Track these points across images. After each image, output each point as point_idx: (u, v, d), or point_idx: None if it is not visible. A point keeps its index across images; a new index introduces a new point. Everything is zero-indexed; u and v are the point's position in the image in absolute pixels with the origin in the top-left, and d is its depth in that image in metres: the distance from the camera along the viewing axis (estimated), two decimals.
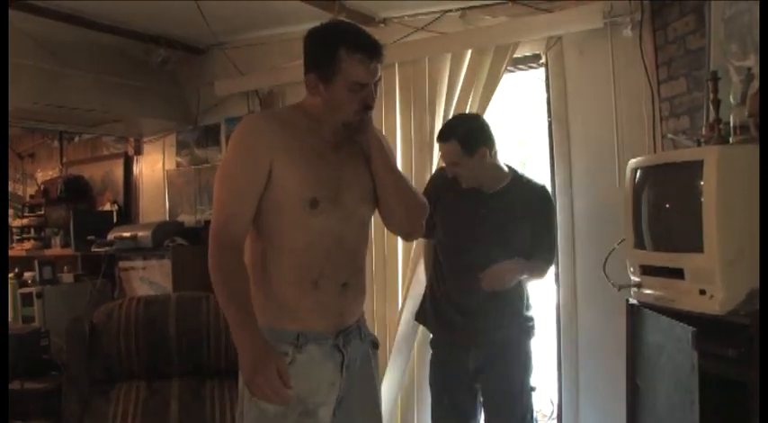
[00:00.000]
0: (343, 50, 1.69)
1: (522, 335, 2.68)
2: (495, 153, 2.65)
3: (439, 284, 2.75)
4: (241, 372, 1.64)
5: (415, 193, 1.97)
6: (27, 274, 4.85)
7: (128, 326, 3.23)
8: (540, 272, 2.69)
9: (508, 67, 3.31)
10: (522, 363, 2.67)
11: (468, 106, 3.32)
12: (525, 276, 2.63)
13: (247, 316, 1.64)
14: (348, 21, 1.92)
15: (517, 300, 2.67)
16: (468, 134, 2.61)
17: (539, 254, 2.63)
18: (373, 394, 1.95)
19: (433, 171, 3.41)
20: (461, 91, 3.36)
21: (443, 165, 2.74)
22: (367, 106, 1.75)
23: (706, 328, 1.87)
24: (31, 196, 5.77)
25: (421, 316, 2.93)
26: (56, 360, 3.92)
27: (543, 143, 3.45)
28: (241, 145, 1.78)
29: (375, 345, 1.95)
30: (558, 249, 2.76)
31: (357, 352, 1.86)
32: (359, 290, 1.87)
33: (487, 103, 3.26)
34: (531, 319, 2.71)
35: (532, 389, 2.70)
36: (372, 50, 1.71)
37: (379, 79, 1.77)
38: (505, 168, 2.70)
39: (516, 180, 2.70)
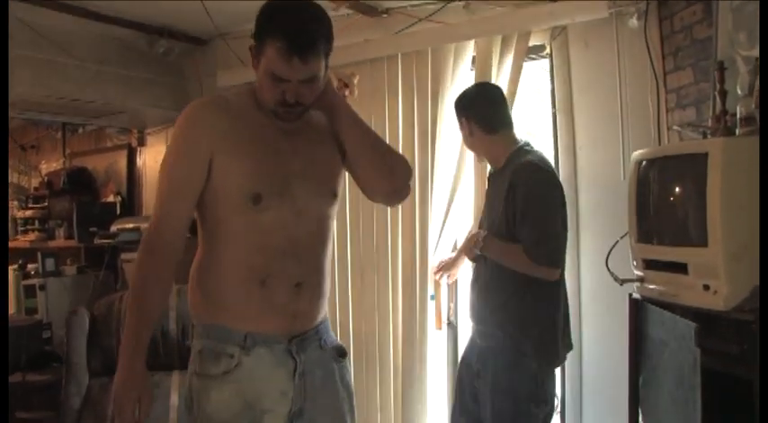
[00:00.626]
0: (268, 37, 1.54)
1: (507, 356, 2.41)
2: (491, 130, 2.58)
3: None
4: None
5: (391, 148, 1.83)
6: (30, 266, 4.85)
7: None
8: (517, 262, 2.39)
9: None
10: (505, 390, 2.39)
11: None
12: (496, 257, 2.45)
13: (140, 342, 1.57)
14: (303, 2, 1.60)
15: (505, 309, 2.44)
16: (461, 101, 2.67)
17: (522, 238, 2.39)
18: (341, 411, 1.75)
19: (437, 165, 3.40)
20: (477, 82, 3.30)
21: None
22: (285, 102, 1.59)
23: (709, 323, 1.84)
24: (35, 188, 5.78)
25: None
26: (58, 352, 3.92)
27: (549, 135, 3.41)
28: (180, 136, 1.66)
29: (340, 353, 1.78)
30: (551, 242, 2.40)
31: (316, 361, 1.70)
32: (316, 291, 1.71)
33: (512, 96, 3.15)
34: (523, 342, 2.39)
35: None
36: (299, 48, 1.51)
37: (311, 78, 1.57)
38: (511, 146, 2.56)
39: (511, 158, 2.53)
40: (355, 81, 3.51)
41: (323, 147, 1.74)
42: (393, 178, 1.77)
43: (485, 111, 2.61)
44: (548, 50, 3.30)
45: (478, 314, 2.56)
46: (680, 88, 2.83)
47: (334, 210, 1.78)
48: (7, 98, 2.89)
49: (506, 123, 2.63)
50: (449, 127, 3.32)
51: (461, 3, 3.41)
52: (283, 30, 1.52)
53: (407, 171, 1.80)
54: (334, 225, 1.80)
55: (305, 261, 1.68)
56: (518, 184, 2.42)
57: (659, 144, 2.82)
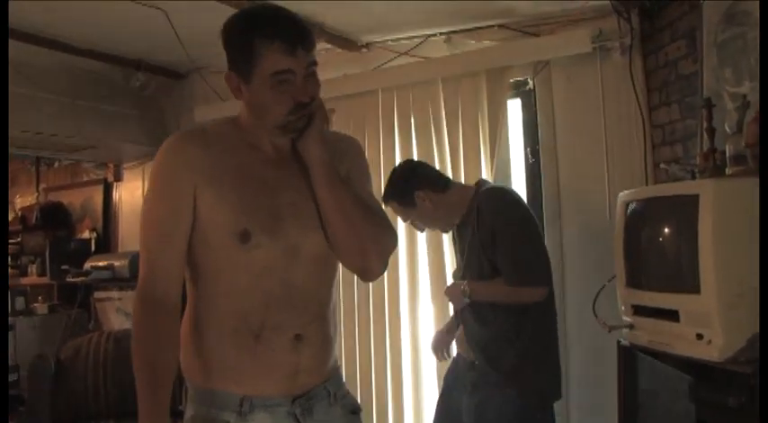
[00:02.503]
0: (257, 40, 1.39)
1: (497, 405, 2.33)
2: (444, 187, 2.51)
3: None
4: None
5: (371, 217, 1.52)
6: None
7: (96, 363, 3.11)
8: (503, 293, 2.31)
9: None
10: None
11: (481, 135, 3.18)
12: (485, 297, 2.36)
13: (159, 405, 1.38)
14: (267, 3, 1.51)
15: (501, 336, 2.36)
16: (397, 188, 2.52)
17: (504, 273, 2.31)
18: None
19: None
20: (462, 119, 3.24)
21: None
22: (299, 103, 1.42)
23: (704, 374, 1.73)
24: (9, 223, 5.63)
25: None
26: (25, 396, 3.74)
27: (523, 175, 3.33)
28: (160, 175, 1.49)
29: (353, 410, 1.59)
30: (528, 261, 2.32)
31: (328, 420, 1.52)
32: (320, 343, 1.51)
33: (496, 132, 3.12)
34: (516, 396, 2.30)
35: None
36: (294, 35, 1.39)
37: (313, 68, 1.43)
38: (468, 190, 2.52)
39: (473, 201, 2.44)
40: (333, 117, 3.43)
41: None
42: (363, 257, 1.52)
43: (430, 172, 2.58)
44: (530, 86, 3.24)
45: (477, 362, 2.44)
46: (666, 124, 2.77)
47: None
48: (7, 98, 2.78)
49: (448, 178, 2.65)
50: (436, 163, 3.26)
51: (442, 37, 3.36)
52: (272, 28, 1.40)
53: (386, 248, 1.54)
54: (337, 265, 1.58)
55: (304, 308, 1.48)
56: (483, 210, 2.37)
57: (646, 182, 2.74)
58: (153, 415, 1.38)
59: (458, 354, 2.62)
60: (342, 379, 1.62)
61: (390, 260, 1.57)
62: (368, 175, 1.66)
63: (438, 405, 2.65)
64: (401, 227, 3.31)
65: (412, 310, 3.39)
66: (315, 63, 1.44)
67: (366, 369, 3.49)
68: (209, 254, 1.47)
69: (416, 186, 2.47)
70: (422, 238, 3.29)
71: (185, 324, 1.52)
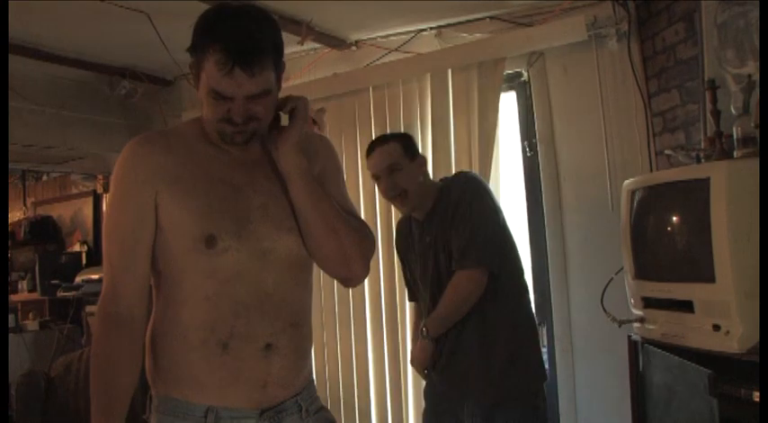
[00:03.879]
0: (205, 45, 1.28)
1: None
2: (418, 154, 2.38)
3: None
4: None
5: (351, 223, 1.47)
6: None
7: (87, 379, 2.99)
8: (457, 295, 2.17)
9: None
10: None
11: (473, 129, 3.07)
12: (446, 316, 2.19)
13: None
14: (245, 3, 1.37)
15: (515, 354, 2.21)
16: (408, 138, 2.39)
17: (454, 253, 2.17)
18: None
19: None
20: (454, 114, 3.14)
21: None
22: (231, 121, 1.33)
23: (722, 367, 1.64)
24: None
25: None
26: (14, 416, 3.64)
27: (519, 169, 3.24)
28: (119, 183, 1.40)
29: None
30: (480, 244, 2.17)
31: None
32: (292, 353, 1.42)
33: (491, 128, 3.02)
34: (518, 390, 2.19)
35: None
36: (241, 57, 1.26)
37: (263, 95, 1.32)
38: (436, 185, 2.40)
39: (443, 188, 2.33)
40: (324, 117, 3.35)
41: (283, 179, 1.45)
42: (347, 265, 1.47)
43: (408, 138, 2.42)
44: (525, 78, 3.15)
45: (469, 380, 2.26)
46: (666, 111, 2.69)
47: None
48: (7, 99, 2.70)
49: None
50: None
51: (433, 32, 3.28)
52: (221, 38, 1.27)
53: (367, 252, 1.50)
54: (312, 269, 1.51)
55: (275, 316, 1.40)
56: (449, 192, 2.27)
57: (650, 171, 2.66)
58: None
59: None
60: (315, 392, 1.54)
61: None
62: (341, 174, 1.61)
63: None
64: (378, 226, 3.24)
65: (390, 311, 3.29)
66: (263, 92, 1.32)
67: (348, 376, 3.39)
68: (173, 261, 1.39)
69: (419, 152, 2.38)
70: None
71: (150, 331, 1.44)
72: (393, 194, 2.30)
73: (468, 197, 2.24)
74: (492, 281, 2.18)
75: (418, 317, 2.50)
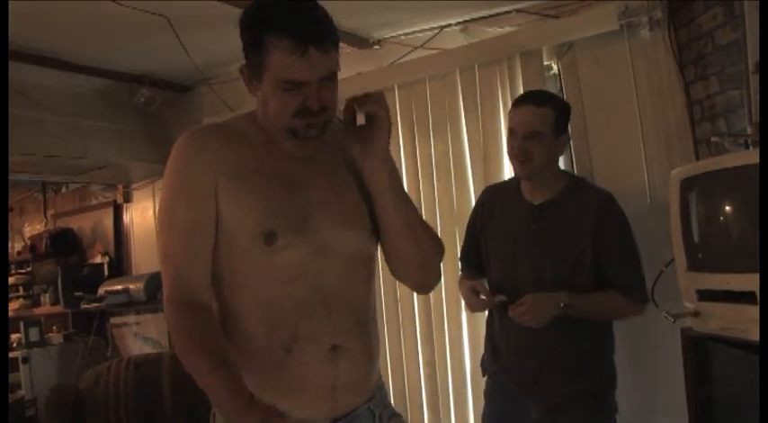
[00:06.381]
0: (267, 37, 1.24)
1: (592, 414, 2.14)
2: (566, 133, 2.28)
3: (492, 326, 2.33)
4: None
5: (431, 230, 1.48)
6: (13, 337, 4.54)
7: (117, 391, 2.96)
8: (609, 307, 2.13)
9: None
10: None
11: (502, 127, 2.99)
12: (584, 312, 2.09)
13: (234, 380, 1.19)
14: None
15: (587, 355, 2.16)
16: (565, 110, 2.25)
17: (615, 278, 2.11)
18: None
19: (455, 202, 3.15)
20: (482, 111, 3.07)
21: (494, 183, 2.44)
22: (306, 109, 1.28)
23: None
24: (18, 252, 5.52)
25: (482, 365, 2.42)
26: None
27: None
28: (177, 173, 1.35)
29: None
30: (643, 277, 2.16)
31: None
32: (360, 354, 1.36)
33: None
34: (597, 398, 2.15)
35: None
36: (314, 37, 1.23)
37: (334, 78, 1.29)
38: (563, 177, 2.30)
39: (574, 185, 2.24)
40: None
41: (342, 174, 1.41)
42: (423, 272, 1.47)
43: (565, 110, 2.27)
44: (555, 71, 3.08)
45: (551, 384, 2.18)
46: (705, 99, 2.60)
47: (373, 246, 1.43)
48: (7, 99, 2.66)
49: None
50: (456, 160, 3.14)
51: (458, 27, 3.21)
52: (286, 25, 1.23)
53: (439, 260, 1.49)
54: (375, 266, 1.46)
55: (341, 315, 1.34)
56: (584, 197, 2.20)
57: (696, 160, 2.57)
58: (233, 393, 1.18)
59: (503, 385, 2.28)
60: (387, 397, 1.48)
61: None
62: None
63: None
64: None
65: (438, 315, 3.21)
66: (334, 73, 1.29)
67: (415, 385, 3.29)
68: (231, 261, 1.33)
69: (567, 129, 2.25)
70: None
71: None
72: (521, 159, 2.18)
73: (627, 227, 2.21)
74: None
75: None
